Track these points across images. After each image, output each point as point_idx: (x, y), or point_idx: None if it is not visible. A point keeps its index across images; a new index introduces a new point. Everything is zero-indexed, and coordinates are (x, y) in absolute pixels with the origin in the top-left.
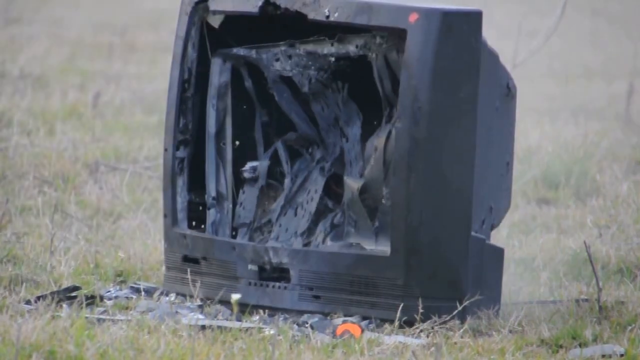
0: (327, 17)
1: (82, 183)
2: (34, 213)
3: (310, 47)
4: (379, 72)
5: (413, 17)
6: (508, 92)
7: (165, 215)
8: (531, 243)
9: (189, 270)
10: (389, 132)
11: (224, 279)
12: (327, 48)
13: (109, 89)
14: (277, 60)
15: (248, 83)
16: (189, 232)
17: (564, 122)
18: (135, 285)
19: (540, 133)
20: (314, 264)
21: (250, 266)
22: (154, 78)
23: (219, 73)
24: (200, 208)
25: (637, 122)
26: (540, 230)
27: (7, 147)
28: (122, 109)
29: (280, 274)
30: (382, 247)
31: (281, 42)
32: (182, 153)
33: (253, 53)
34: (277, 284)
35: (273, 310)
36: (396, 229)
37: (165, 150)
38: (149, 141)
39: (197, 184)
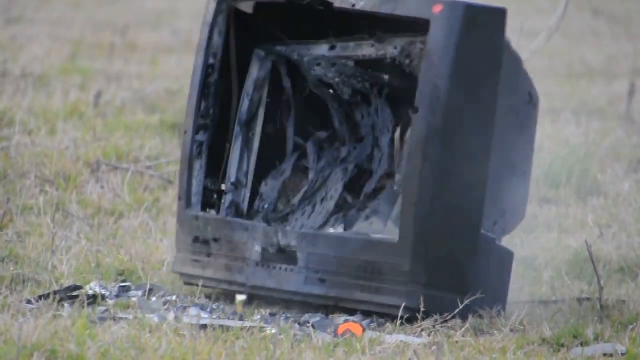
0: (353, 5)
1: (84, 182)
2: (35, 212)
3: (350, 47)
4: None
5: (437, 8)
6: (530, 99)
7: (179, 198)
8: (532, 242)
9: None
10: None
11: (233, 260)
12: (367, 49)
13: (110, 88)
14: (319, 64)
15: (286, 81)
16: (201, 213)
17: (565, 121)
18: (132, 284)
19: (541, 132)
20: (322, 247)
21: (257, 247)
22: (156, 77)
23: (258, 65)
24: (215, 195)
25: (638, 121)
26: (542, 229)
27: (8, 146)
28: (123, 108)
29: (287, 256)
30: (390, 234)
31: (322, 41)
32: (201, 137)
33: (295, 53)
34: (284, 265)
35: (278, 293)
36: (406, 215)
37: (185, 132)
38: (150, 140)
39: (213, 170)
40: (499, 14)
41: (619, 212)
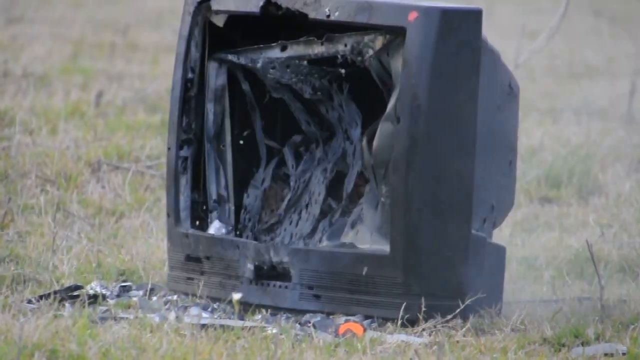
0: (328, 16)
1: (85, 182)
2: (36, 212)
3: (301, 47)
4: (375, 71)
5: (412, 16)
6: (510, 91)
7: (168, 215)
8: (533, 242)
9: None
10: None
11: (226, 278)
12: (317, 48)
13: (111, 88)
14: (273, 68)
15: (245, 86)
16: (191, 231)
17: (566, 121)
18: (133, 284)
19: (542, 132)
20: (314, 263)
21: (249, 265)
22: (157, 77)
23: (215, 76)
24: (204, 207)
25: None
26: (543, 229)
27: (9, 146)
28: (124, 108)
29: (280, 273)
30: (381, 246)
31: (273, 44)
32: (185, 152)
33: (248, 60)
34: (278, 283)
35: (275, 310)
36: (395, 227)
37: (169, 149)
38: (152, 140)
39: (200, 183)
40: (475, 15)
41: (620, 212)
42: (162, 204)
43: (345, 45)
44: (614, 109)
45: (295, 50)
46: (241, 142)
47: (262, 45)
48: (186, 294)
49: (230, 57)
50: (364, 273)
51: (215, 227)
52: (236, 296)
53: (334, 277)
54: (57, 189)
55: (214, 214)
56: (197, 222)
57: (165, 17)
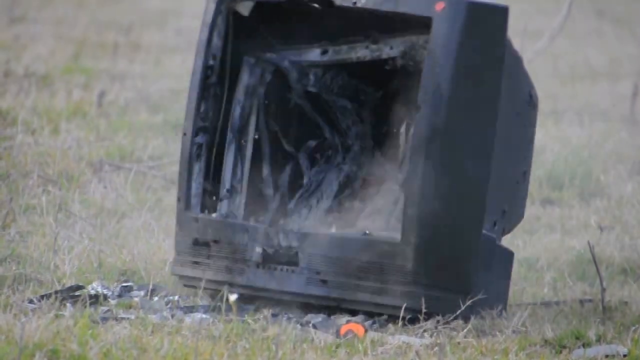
0: (354, 3)
1: (86, 182)
2: (37, 212)
3: (343, 51)
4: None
5: (439, 6)
6: (530, 100)
7: (178, 199)
8: (535, 243)
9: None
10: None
11: (233, 262)
12: (362, 51)
13: (113, 88)
14: (306, 75)
15: (265, 89)
16: (201, 215)
17: (568, 122)
18: (134, 285)
19: (544, 133)
20: (323, 247)
21: (257, 248)
22: (159, 77)
23: (249, 73)
24: (214, 198)
25: None
26: (544, 231)
27: (11, 146)
28: (126, 108)
29: (289, 257)
30: (392, 233)
31: (314, 45)
32: (200, 139)
33: (285, 61)
34: (286, 267)
35: (280, 294)
36: (408, 215)
37: (184, 134)
38: (154, 140)
39: (213, 172)
40: (501, 12)
41: (622, 213)
42: (164, 204)
43: (391, 48)
44: (617, 110)
45: (337, 53)
46: (261, 139)
47: (302, 46)
48: (189, 286)
49: (268, 56)
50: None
51: (222, 214)
52: (232, 297)
53: (343, 262)
54: (59, 189)
55: (224, 202)
56: (206, 211)
57: (168, 17)
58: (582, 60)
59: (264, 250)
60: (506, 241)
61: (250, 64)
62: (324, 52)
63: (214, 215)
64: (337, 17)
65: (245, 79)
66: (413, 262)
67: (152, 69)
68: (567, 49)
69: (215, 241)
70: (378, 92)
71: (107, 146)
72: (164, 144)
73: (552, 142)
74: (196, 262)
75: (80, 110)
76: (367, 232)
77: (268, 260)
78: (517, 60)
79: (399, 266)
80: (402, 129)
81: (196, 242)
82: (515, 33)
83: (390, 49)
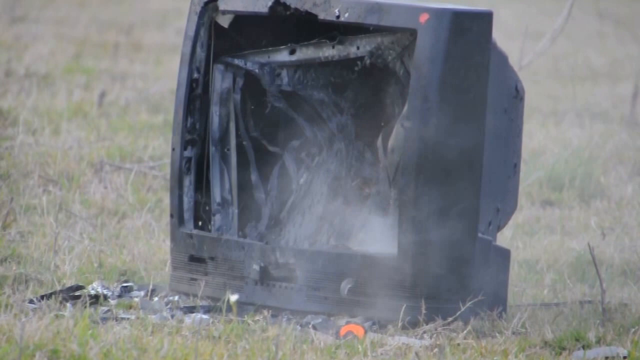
0: (338, 17)
1: (87, 182)
2: (38, 212)
3: (310, 51)
4: (398, 73)
5: (424, 17)
6: (516, 94)
7: (171, 216)
8: (535, 245)
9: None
10: (394, 133)
11: (231, 279)
12: (328, 51)
13: (114, 88)
14: (278, 75)
15: (240, 94)
16: (195, 232)
17: (569, 123)
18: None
19: (545, 135)
20: (321, 264)
21: (255, 266)
22: (160, 77)
23: (221, 79)
24: (207, 208)
25: None
26: (544, 232)
27: (12, 146)
28: (127, 108)
29: (286, 274)
30: (389, 248)
31: (281, 47)
32: (189, 153)
33: (256, 65)
34: (284, 284)
35: (279, 311)
36: (403, 230)
37: (173, 149)
38: (154, 141)
39: (204, 184)
40: (485, 17)
41: (622, 215)
42: (165, 205)
43: (358, 48)
44: (617, 111)
45: (304, 53)
46: (244, 144)
47: (270, 49)
48: (187, 295)
49: (236, 61)
50: (345, 292)
51: (216, 229)
52: (233, 297)
53: (341, 278)
54: (60, 189)
55: (217, 217)
56: (200, 223)
57: (169, 17)
58: (583, 61)
59: (261, 267)
60: (505, 242)
61: (220, 70)
62: (292, 52)
63: (209, 227)
64: (301, 21)
65: (217, 86)
66: (411, 277)
67: (153, 69)
68: (567, 50)
69: (212, 258)
70: (353, 74)
71: (107, 146)
72: (165, 144)
73: (552, 143)
74: (193, 279)
75: (81, 110)
76: (365, 249)
77: (266, 277)
78: (502, 57)
79: (397, 281)
80: (380, 138)
81: (192, 259)
82: (516, 34)
83: (357, 49)
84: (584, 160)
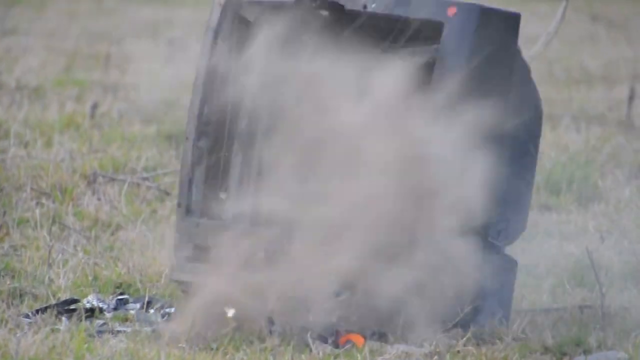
0: (365, 7)
1: (80, 194)
2: (31, 225)
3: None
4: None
5: (452, 11)
6: (536, 109)
7: (179, 205)
8: (533, 249)
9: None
10: None
11: (235, 268)
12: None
13: (106, 99)
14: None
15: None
16: (202, 220)
17: (565, 127)
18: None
19: (541, 139)
20: None
21: (260, 253)
22: (152, 88)
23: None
24: (214, 204)
25: (639, 126)
26: (543, 237)
27: (4, 159)
28: (119, 119)
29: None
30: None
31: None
32: (203, 143)
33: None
34: None
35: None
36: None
37: (187, 139)
38: (147, 152)
39: (214, 177)
40: (514, 19)
41: (620, 218)
42: (159, 216)
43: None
44: (613, 114)
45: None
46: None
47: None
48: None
49: (273, 66)
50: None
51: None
52: (230, 312)
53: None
54: (53, 201)
55: (230, 207)
56: (208, 214)
57: (160, 28)
58: (578, 64)
59: (266, 255)
60: (506, 248)
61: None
62: (332, 63)
63: (215, 218)
64: (342, 29)
65: (253, 88)
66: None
67: (145, 80)
68: (562, 54)
69: (217, 246)
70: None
71: (100, 158)
72: (158, 155)
73: (549, 147)
74: (196, 268)
75: (73, 122)
76: None
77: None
78: (525, 69)
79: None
80: None
81: (197, 248)
82: None
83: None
84: (581, 164)
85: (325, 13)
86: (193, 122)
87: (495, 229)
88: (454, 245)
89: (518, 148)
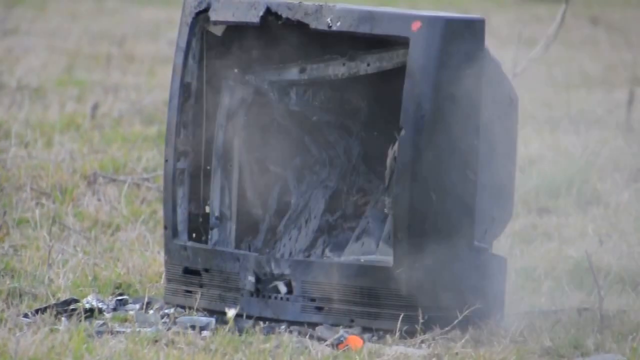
0: (330, 26)
1: (80, 195)
2: (31, 225)
3: (321, 68)
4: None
5: (416, 25)
6: (510, 102)
7: (165, 227)
8: (532, 252)
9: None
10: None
11: (226, 291)
12: (339, 68)
13: (107, 100)
14: (287, 94)
15: (247, 110)
16: (190, 243)
17: (564, 130)
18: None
19: (540, 142)
20: (316, 274)
21: (250, 277)
22: (153, 89)
23: (229, 96)
24: (201, 220)
25: (638, 130)
26: (541, 240)
27: (4, 159)
28: (120, 120)
29: (282, 285)
30: (384, 257)
31: (291, 65)
32: (182, 164)
33: (265, 82)
34: (279, 295)
35: (275, 322)
36: (399, 239)
37: (166, 161)
38: (148, 152)
39: (197, 195)
40: (478, 25)
41: (619, 221)
42: (159, 217)
43: (368, 65)
44: (612, 118)
45: (315, 71)
46: (246, 161)
47: (280, 66)
48: (183, 307)
49: (247, 77)
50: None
51: (213, 243)
52: (230, 313)
53: (336, 288)
54: (53, 202)
55: (215, 231)
56: (195, 235)
57: (162, 28)
58: (577, 67)
59: (256, 278)
60: (503, 251)
61: (230, 86)
62: (302, 71)
63: (203, 239)
64: (312, 37)
65: (226, 102)
66: (407, 286)
67: (146, 80)
68: (561, 57)
69: (206, 270)
70: (363, 102)
71: (100, 158)
72: (159, 155)
73: (548, 150)
74: (188, 291)
75: (73, 122)
76: (361, 259)
77: (261, 289)
78: (496, 66)
79: (393, 290)
80: (391, 148)
81: (186, 271)
82: (510, 41)
83: (367, 65)
84: (580, 167)
85: (290, 32)
86: (171, 144)
87: (481, 230)
88: (442, 247)
89: (496, 142)
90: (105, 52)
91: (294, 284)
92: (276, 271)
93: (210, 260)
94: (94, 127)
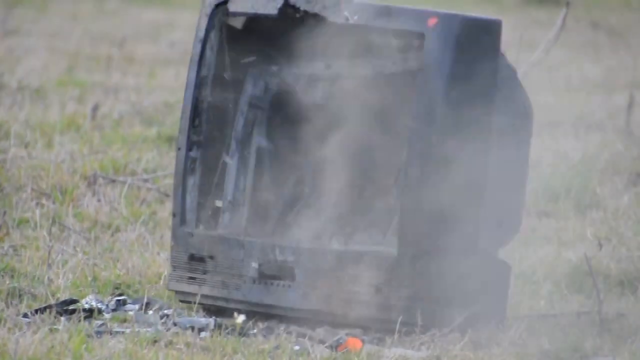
0: (347, 19)
1: (80, 195)
2: (31, 225)
3: (346, 64)
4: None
5: (432, 22)
6: (524, 111)
7: (174, 215)
8: (531, 256)
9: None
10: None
11: (229, 277)
12: (364, 66)
13: (107, 101)
14: (312, 88)
15: (270, 101)
16: (197, 230)
17: (563, 134)
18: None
19: (540, 145)
20: (319, 262)
21: (253, 264)
22: (153, 90)
23: (252, 84)
24: (210, 212)
25: (638, 134)
26: (541, 243)
27: (4, 160)
28: (120, 121)
29: (285, 272)
30: (389, 248)
31: (317, 59)
32: (195, 153)
33: (290, 75)
34: (282, 282)
35: (276, 309)
36: (404, 230)
37: (179, 149)
38: (148, 153)
39: (207, 186)
40: (495, 26)
41: (618, 225)
42: (159, 218)
43: (394, 63)
44: (612, 122)
45: (340, 67)
46: (262, 150)
47: (305, 61)
48: (186, 301)
49: (273, 68)
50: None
51: (223, 226)
52: (240, 318)
53: (339, 276)
54: (53, 202)
55: (227, 214)
56: (202, 224)
57: (162, 29)
58: (578, 71)
59: (259, 265)
60: (502, 254)
61: (254, 76)
62: (328, 67)
63: (210, 228)
64: (338, 34)
65: (249, 90)
66: (409, 277)
67: (146, 81)
68: (562, 61)
69: (211, 257)
70: (383, 98)
71: (101, 159)
72: (158, 156)
73: (547, 154)
74: (192, 278)
75: (74, 123)
76: (365, 249)
77: (264, 275)
78: (510, 72)
79: (396, 281)
80: (403, 142)
81: (192, 258)
82: (511, 44)
83: (392, 64)
84: (580, 171)
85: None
86: (184, 133)
87: (488, 234)
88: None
89: (508, 149)
90: (105, 53)
91: (296, 271)
92: (280, 258)
93: (216, 247)
94: (94, 128)
